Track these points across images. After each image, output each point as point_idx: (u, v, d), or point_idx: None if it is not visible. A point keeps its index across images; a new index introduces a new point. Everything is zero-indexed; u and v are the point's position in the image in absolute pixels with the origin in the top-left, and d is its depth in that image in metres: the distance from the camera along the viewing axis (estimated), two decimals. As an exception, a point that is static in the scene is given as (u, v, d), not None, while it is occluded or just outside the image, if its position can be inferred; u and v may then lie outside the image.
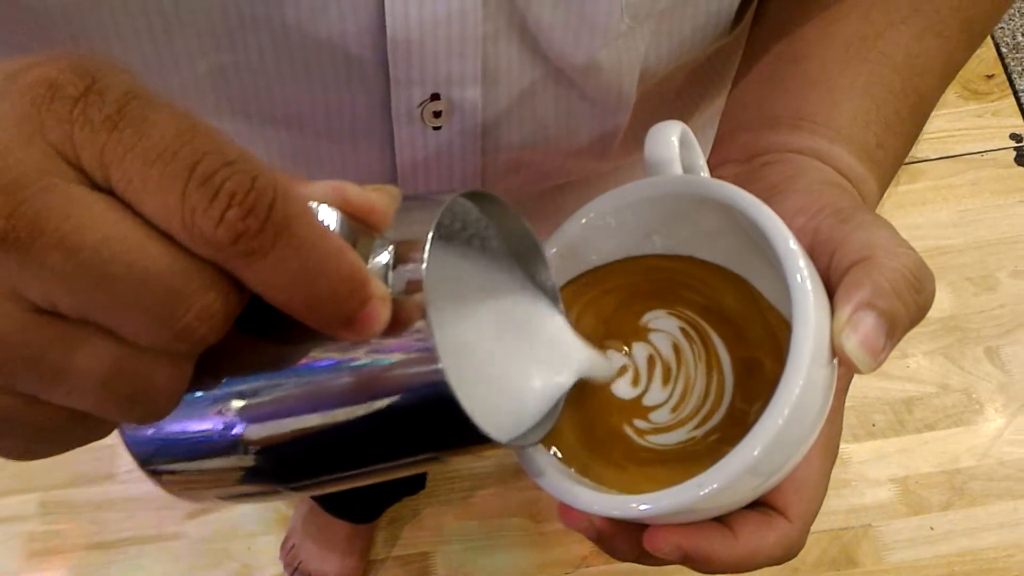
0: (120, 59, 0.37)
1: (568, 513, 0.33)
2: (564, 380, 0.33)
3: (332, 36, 0.36)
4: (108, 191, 0.20)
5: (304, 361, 0.26)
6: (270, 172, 0.20)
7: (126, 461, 1.36)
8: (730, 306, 0.35)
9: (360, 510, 1.21)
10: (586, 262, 0.37)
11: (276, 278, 0.20)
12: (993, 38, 1.55)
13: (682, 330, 0.36)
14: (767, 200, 0.32)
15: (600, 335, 0.37)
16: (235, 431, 0.27)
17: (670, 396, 0.35)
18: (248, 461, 0.28)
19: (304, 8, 0.35)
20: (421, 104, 0.39)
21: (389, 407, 0.26)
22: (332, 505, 1.18)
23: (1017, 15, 1.57)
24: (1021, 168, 1.45)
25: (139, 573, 1.27)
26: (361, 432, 0.27)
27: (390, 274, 0.25)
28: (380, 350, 0.26)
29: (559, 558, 1.24)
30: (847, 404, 1.16)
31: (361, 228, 0.23)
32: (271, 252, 0.20)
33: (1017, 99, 1.51)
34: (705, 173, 0.36)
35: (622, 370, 0.36)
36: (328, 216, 0.23)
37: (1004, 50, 1.54)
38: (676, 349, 0.35)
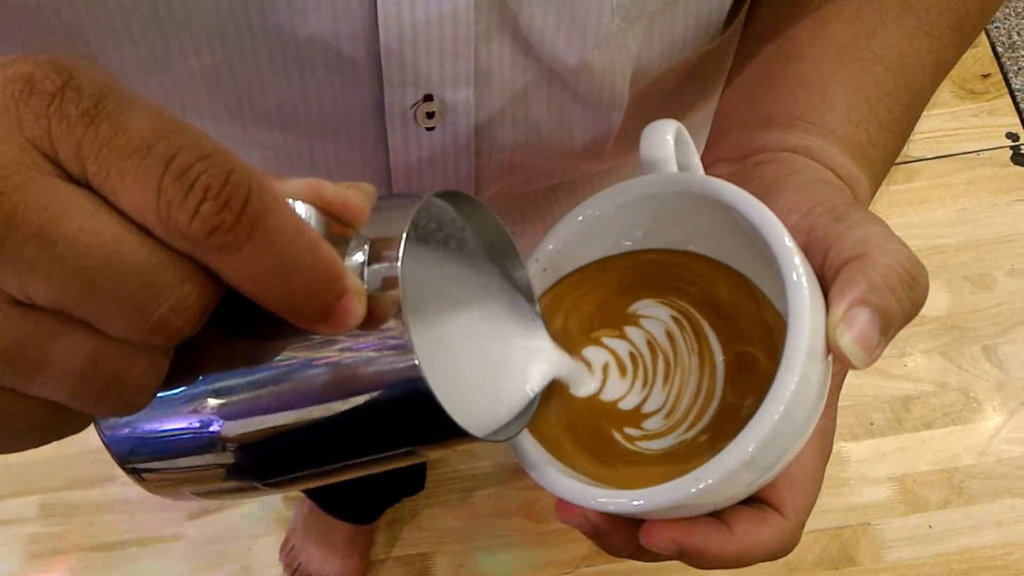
0: (114, 57, 0.37)
1: (565, 509, 0.33)
2: (537, 379, 0.34)
3: (325, 37, 0.36)
4: (85, 185, 0.20)
5: (280, 357, 0.26)
6: (245, 167, 0.20)
7: (126, 463, 1.36)
8: (725, 299, 0.35)
9: (360, 511, 1.21)
10: (582, 258, 0.37)
11: (251, 271, 0.20)
12: (989, 37, 1.55)
13: (674, 319, 0.36)
14: (761, 198, 0.32)
15: (592, 325, 0.37)
16: (212, 428, 0.27)
17: (664, 401, 0.35)
18: (226, 458, 0.28)
19: (297, 9, 0.35)
20: (414, 105, 0.39)
21: (365, 402, 0.26)
22: (332, 506, 1.18)
23: (1013, 15, 1.57)
24: (1017, 167, 1.45)
25: (139, 575, 1.27)
26: (338, 427, 0.27)
27: (365, 271, 0.25)
28: (356, 345, 0.26)
29: (559, 558, 1.24)
30: (845, 403, 1.17)
31: (337, 225, 0.24)
32: (246, 245, 0.20)
33: (1013, 98, 1.51)
34: (700, 171, 0.37)
35: (607, 370, 0.36)
36: (304, 212, 0.23)
37: (1000, 49, 1.54)
38: (669, 337, 0.35)
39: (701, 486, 0.29)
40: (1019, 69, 1.53)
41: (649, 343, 0.36)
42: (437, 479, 1.29)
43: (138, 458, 0.29)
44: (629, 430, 0.35)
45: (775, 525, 0.33)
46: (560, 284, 0.37)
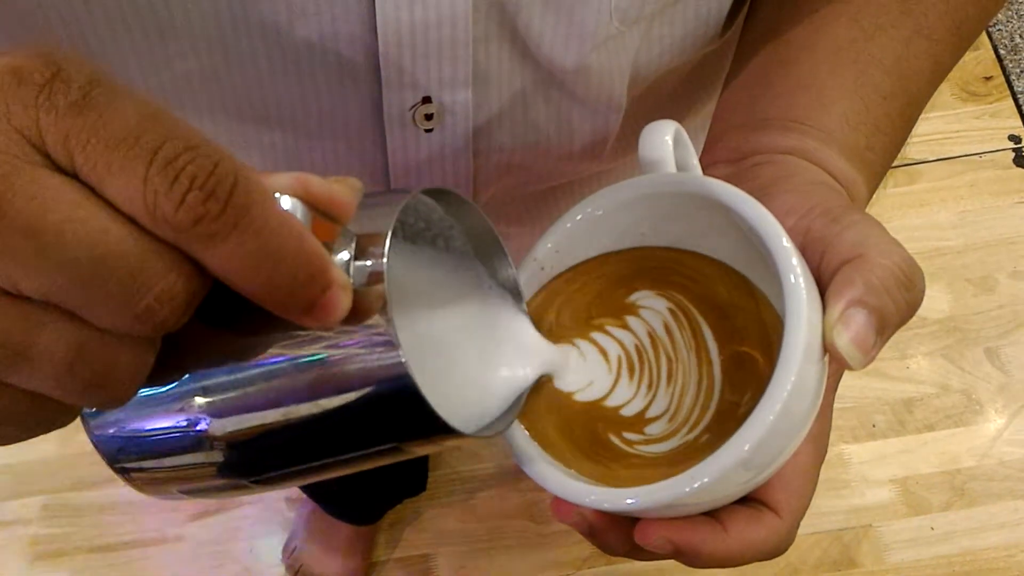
0: (113, 57, 0.37)
1: (561, 507, 0.33)
2: (525, 375, 0.34)
3: (324, 39, 0.36)
4: (73, 175, 0.20)
5: (267, 353, 0.26)
6: (231, 159, 0.20)
7: (128, 464, 1.36)
8: (723, 296, 0.35)
9: (362, 512, 1.21)
10: (580, 256, 0.37)
11: (236, 262, 0.20)
12: (991, 40, 1.55)
13: (671, 312, 0.36)
14: (759, 200, 0.32)
15: (589, 313, 0.37)
16: (199, 426, 0.27)
17: (669, 404, 0.35)
18: (214, 456, 0.28)
19: (296, 11, 0.35)
20: (413, 107, 0.39)
21: (351, 398, 0.26)
22: (334, 507, 1.19)
23: (1015, 17, 1.57)
24: (1020, 169, 1.45)
25: (141, 576, 1.27)
26: (324, 423, 0.27)
27: (351, 266, 0.25)
28: (341, 341, 0.26)
29: (559, 559, 1.24)
30: (847, 405, 1.17)
31: (324, 219, 0.24)
32: (231, 235, 0.20)
33: (1015, 100, 1.51)
34: (698, 172, 0.37)
35: (618, 370, 0.36)
36: (291, 206, 0.23)
37: (1002, 52, 1.54)
38: (668, 331, 0.36)
39: (696, 485, 0.29)
40: (1021, 71, 1.53)
41: (651, 335, 0.36)
42: (438, 480, 1.29)
43: (126, 457, 0.29)
44: (630, 435, 0.35)
45: (770, 525, 0.33)
46: (558, 279, 0.37)
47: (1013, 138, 1.48)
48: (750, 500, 0.34)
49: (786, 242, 0.31)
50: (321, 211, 0.23)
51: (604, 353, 0.36)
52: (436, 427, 0.27)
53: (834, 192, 0.36)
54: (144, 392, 0.27)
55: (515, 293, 0.35)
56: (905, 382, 1.31)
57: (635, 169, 0.37)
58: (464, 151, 0.43)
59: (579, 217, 0.36)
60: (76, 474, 1.32)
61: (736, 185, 0.33)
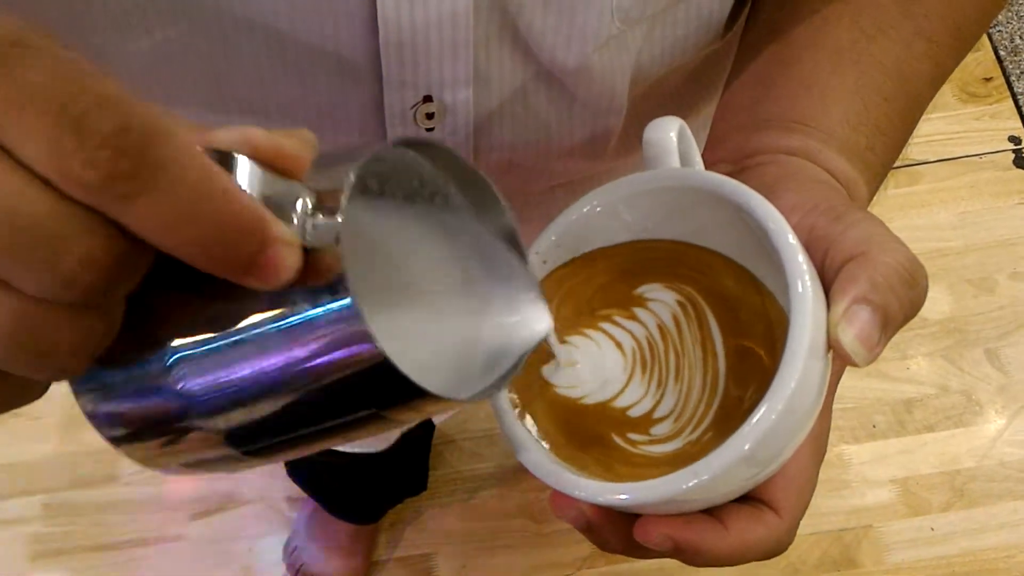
0: (115, 51, 0.37)
1: (559, 502, 0.33)
2: (523, 337, 0.33)
3: (325, 38, 0.36)
4: None
5: (235, 318, 0.25)
6: (147, 114, 0.20)
7: (129, 463, 1.36)
8: (730, 290, 0.35)
9: (362, 511, 1.21)
10: (582, 249, 0.37)
11: (154, 221, 0.20)
12: (991, 41, 1.55)
13: (680, 304, 0.36)
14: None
15: (592, 305, 0.37)
16: (177, 395, 0.26)
17: (676, 403, 0.34)
18: (196, 424, 0.27)
19: (297, 10, 0.35)
20: (414, 106, 0.39)
21: (317, 363, 0.25)
22: (335, 506, 1.19)
23: (1015, 18, 1.57)
24: (1020, 170, 1.45)
25: (142, 575, 1.27)
26: (296, 390, 0.26)
27: (308, 223, 0.23)
28: (303, 303, 0.24)
29: (560, 559, 1.24)
30: (848, 405, 1.17)
31: (276, 175, 0.23)
32: (145, 195, 0.19)
33: (1015, 102, 1.51)
34: (702, 168, 0.37)
35: (632, 369, 0.36)
36: (246, 165, 0.22)
37: (1002, 53, 1.55)
38: (676, 324, 0.35)
39: (699, 480, 0.29)
40: (1021, 73, 1.53)
41: (660, 328, 0.36)
42: (439, 480, 1.30)
43: (117, 429, 0.28)
44: (635, 436, 0.34)
45: (771, 524, 0.33)
46: (559, 271, 0.37)
47: (1013, 139, 1.48)
48: (750, 499, 0.34)
49: (792, 239, 0.31)
50: (273, 166, 0.23)
51: (619, 345, 0.36)
52: (412, 392, 0.25)
53: (836, 191, 0.36)
54: (126, 362, 0.26)
55: (517, 248, 0.33)
56: (905, 383, 1.32)
57: (637, 168, 0.36)
58: (465, 149, 0.43)
59: (582, 211, 0.36)
60: (76, 473, 1.32)
61: None
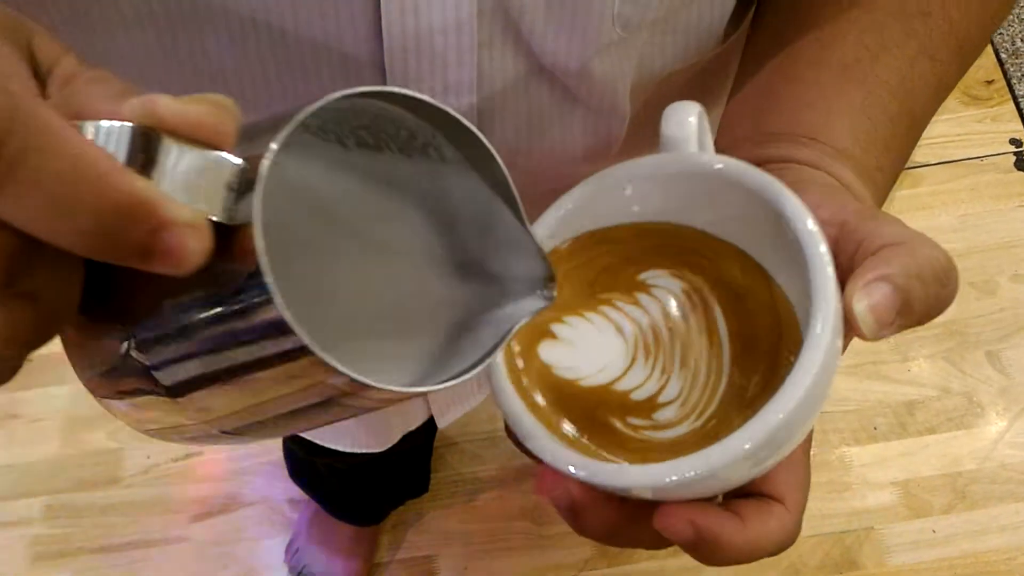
0: (123, 46, 0.37)
1: (545, 480, 0.32)
2: (518, 304, 0.31)
3: (330, 43, 0.37)
4: None
5: (176, 296, 0.24)
6: (11, 101, 0.19)
7: (131, 465, 1.37)
8: (737, 278, 0.35)
9: (364, 513, 1.21)
10: (589, 226, 0.37)
11: (24, 214, 0.19)
12: (993, 44, 1.55)
13: (686, 293, 0.35)
14: None
15: (594, 289, 0.36)
16: (145, 372, 0.26)
17: (681, 389, 0.34)
18: (164, 396, 0.26)
19: (302, 17, 0.35)
20: None
21: (248, 349, 0.23)
22: (337, 508, 1.19)
23: (1016, 21, 1.57)
24: (1021, 173, 1.45)
25: (144, 576, 1.27)
26: (238, 375, 0.24)
27: (231, 198, 0.22)
28: (221, 290, 0.23)
29: (562, 561, 1.24)
30: (849, 407, 1.18)
31: (197, 146, 0.21)
32: (7, 188, 0.19)
33: (1017, 104, 1.51)
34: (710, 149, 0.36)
35: (634, 351, 0.35)
36: (141, 138, 0.20)
37: (1004, 56, 1.55)
38: (683, 312, 0.35)
39: (733, 455, 0.28)
40: (1023, 76, 1.53)
41: (665, 315, 0.35)
42: (441, 482, 1.30)
43: (106, 396, 0.28)
44: (636, 420, 0.34)
45: (781, 517, 0.33)
46: (562, 248, 0.37)
47: (1014, 142, 1.48)
48: (753, 494, 0.34)
49: (812, 225, 0.30)
50: (192, 137, 0.22)
51: (620, 330, 0.35)
52: (359, 384, 0.23)
53: (859, 196, 0.36)
54: (89, 326, 0.26)
55: (512, 205, 0.31)
56: (906, 385, 1.32)
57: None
58: None
59: (596, 186, 0.36)
60: (78, 474, 1.32)
61: None
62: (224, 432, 0.28)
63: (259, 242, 0.21)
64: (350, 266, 0.29)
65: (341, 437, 0.80)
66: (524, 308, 0.30)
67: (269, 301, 0.22)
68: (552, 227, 0.36)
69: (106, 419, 1.27)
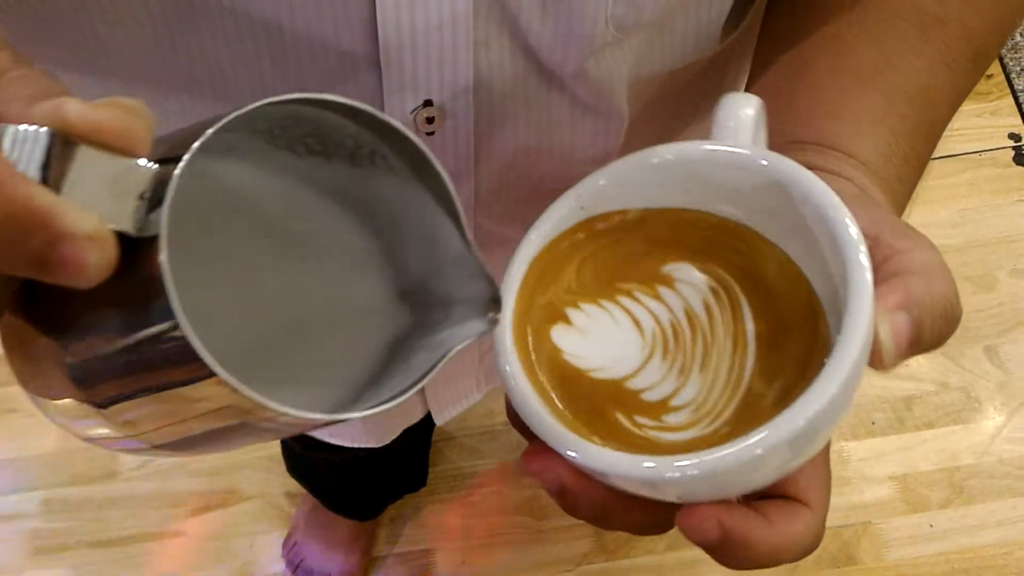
0: (122, 43, 0.37)
1: (536, 459, 0.31)
2: (455, 329, 0.29)
3: (325, 41, 0.36)
4: None
5: (91, 315, 0.23)
6: None
7: (129, 459, 1.37)
8: (771, 276, 0.33)
9: (362, 507, 1.21)
10: (623, 203, 0.35)
11: None
12: (992, 37, 1.55)
13: (713, 291, 0.34)
14: None
15: (615, 276, 0.35)
16: (70, 382, 0.25)
17: (697, 393, 0.33)
18: (93, 411, 0.25)
19: (298, 14, 0.35)
20: (414, 110, 0.39)
21: (155, 370, 0.22)
22: (334, 503, 1.19)
23: (1016, 15, 1.57)
24: (1019, 167, 1.45)
25: (142, 571, 1.27)
26: (155, 395, 0.23)
27: (142, 208, 0.21)
28: (130, 304, 0.22)
29: (560, 555, 1.24)
30: (846, 402, 1.12)
31: (110, 153, 0.21)
32: None
33: (1016, 99, 1.51)
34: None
35: (652, 347, 0.34)
36: (53, 145, 0.20)
37: (1003, 50, 1.55)
38: (707, 310, 0.34)
39: (765, 445, 0.27)
40: (1022, 70, 1.53)
41: (688, 313, 0.34)
42: (439, 476, 1.30)
43: (48, 408, 0.28)
44: (643, 419, 0.33)
45: (806, 519, 0.32)
46: (588, 227, 0.35)
47: (1013, 136, 1.48)
48: (777, 496, 0.33)
49: (854, 232, 0.30)
50: (105, 144, 0.21)
51: (638, 324, 0.34)
52: (271, 409, 0.22)
53: (887, 208, 0.36)
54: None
55: (457, 222, 0.29)
56: (904, 379, 1.32)
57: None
58: (466, 154, 0.43)
59: (632, 164, 0.34)
60: (76, 469, 1.32)
61: None
62: (157, 447, 0.27)
63: (163, 258, 0.21)
64: (281, 281, 0.28)
65: (339, 433, 0.80)
66: (466, 331, 0.29)
67: (172, 319, 0.21)
68: (587, 196, 0.35)
69: (104, 413, 1.27)
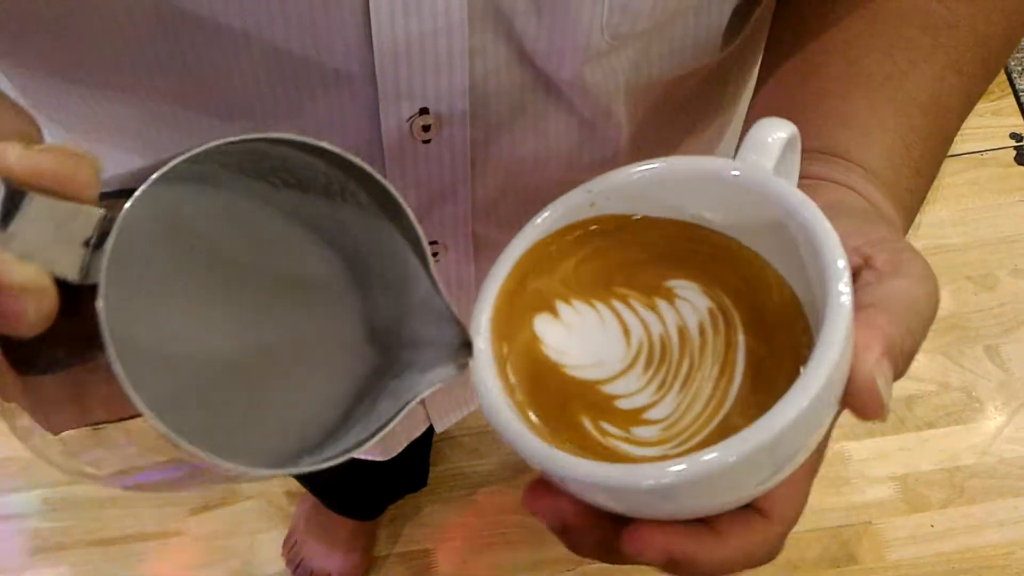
0: (108, 56, 0.37)
1: (535, 497, 0.31)
2: (420, 375, 0.28)
3: (320, 51, 0.36)
4: None
5: (43, 358, 0.24)
6: None
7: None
8: (772, 310, 0.32)
9: (362, 507, 1.21)
10: (634, 208, 0.34)
11: None
12: (994, 37, 1.55)
13: (711, 312, 0.33)
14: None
15: (615, 279, 0.34)
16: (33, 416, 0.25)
17: (671, 412, 0.32)
18: (59, 444, 0.26)
19: (292, 23, 0.35)
20: (410, 119, 0.39)
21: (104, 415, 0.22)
22: (335, 502, 1.19)
23: (1018, 14, 1.57)
24: (1021, 167, 1.45)
25: (142, 570, 1.27)
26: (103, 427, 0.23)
27: (86, 256, 0.21)
28: (78, 350, 0.22)
29: (560, 555, 1.24)
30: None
31: (57, 199, 0.21)
32: None
33: (1017, 98, 1.51)
34: (794, 178, 0.35)
35: (635, 357, 0.33)
36: (35, 197, 0.20)
37: (1005, 49, 1.54)
38: (701, 332, 0.33)
39: (737, 455, 0.27)
40: (1023, 70, 1.53)
41: (680, 331, 0.33)
42: (440, 476, 1.30)
43: (23, 435, 0.28)
44: (609, 427, 0.32)
45: (761, 530, 0.32)
46: (597, 225, 0.35)
47: (1014, 136, 1.48)
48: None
49: (842, 263, 0.29)
50: (47, 190, 0.21)
51: (627, 332, 0.33)
52: (212, 462, 0.22)
53: (890, 225, 0.35)
54: None
55: (425, 264, 0.29)
56: (905, 379, 1.29)
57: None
58: (463, 162, 0.42)
59: (651, 167, 0.34)
60: (77, 468, 1.32)
61: None
62: (126, 487, 0.27)
63: (100, 305, 0.20)
64: (247, 317, 0.27)
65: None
66: (433, 377, 0.28)
67: (112, 368, 0.21)
68: (598, 192, 0.34)
69: (104, 412, 1.27)
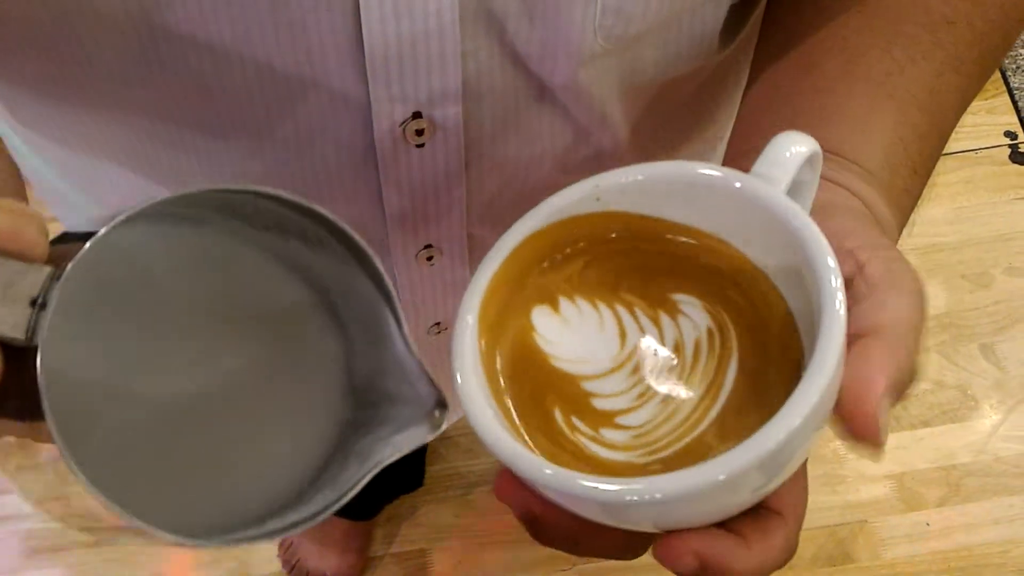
0: (102, 61, 0.37)
1: (506, 486, 0.31)
2: (390, 437, 0.28)
3: (311, 56, 0.36)
4: None
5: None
6: None
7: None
8: (772, 335, 0.32)
9: (358, 508, 1.21)
10: (642, 207, 0.34)
11: None
12: (988, 35, 1.55)
13: (709, 332, 0.32)
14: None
15: (620, 283, 0.34)
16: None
17: (647, 421, 0.31)
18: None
19: (283, 28, 0.35)
20: (403, 123, 0.39)
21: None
22: (330, 503, 1.19)
23: (1012, 12, 1.57)
24: (1016, 165, 1.45)
25: (137, 571, 1.27)
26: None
27: (32, 316, 0.21)
28: (22, 406, 0.22)
29: (555, 555, 1.24)
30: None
31: (6, 259, 0.20)
32: None
33: (1011, 96, 1.51)
34: (809, 199, 0.34)
35: (629, 357, 0.33)
36: None
37: (999, 47, 1.55)
38: (696, 350, 0.32)
39: (731, 470, 0.26)
40: (1017, 68, 1.53)
41: (676, 346, 0.32)
42: (435, 476, 1.30)
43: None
44: (579, 423, 0.31)
45: (782, 531, 0.32)
46: (605, 222, 0.34)
47: (1009, 134, 1.48)
48: (753, 508, 0.32)
49: (836, 281, 0.28)
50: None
51: (623, 336, 0.33)
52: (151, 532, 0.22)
53: (882, 228, 0.35)
54: None
55: (394, 314, 0.28)
56: (901, 378, 1.31)
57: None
58: (457, 166, 0.42)
59: (661, 170, 0.33)
60: (72, 469, 1.32)
61: None
62: (103, 540, 0.26)
63: (39, 368, 0.20)
64: (213, 372, 0.27)
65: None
66: (407, 438, 0.28)
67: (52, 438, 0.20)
68: (605, 188, 0.33)
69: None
